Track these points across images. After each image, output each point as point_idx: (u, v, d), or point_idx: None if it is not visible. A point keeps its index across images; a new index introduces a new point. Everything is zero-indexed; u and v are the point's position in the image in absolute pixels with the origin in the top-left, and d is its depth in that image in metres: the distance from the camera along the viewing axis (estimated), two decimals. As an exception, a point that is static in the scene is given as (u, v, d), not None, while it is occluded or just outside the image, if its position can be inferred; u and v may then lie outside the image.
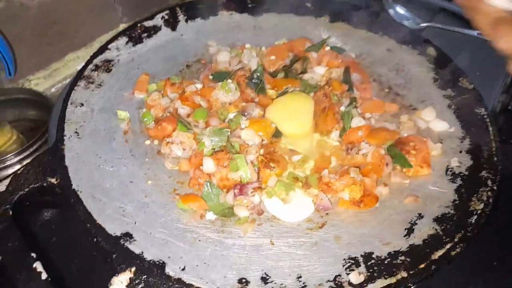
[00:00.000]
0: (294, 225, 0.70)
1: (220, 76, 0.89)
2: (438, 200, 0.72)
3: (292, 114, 0.82)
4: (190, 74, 0.94)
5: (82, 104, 0.82)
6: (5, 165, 1.05)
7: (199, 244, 0.66)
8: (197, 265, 0.62)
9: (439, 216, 0.69)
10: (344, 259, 0.65)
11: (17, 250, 0.62)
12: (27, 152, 1.06)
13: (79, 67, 1.36)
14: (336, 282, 0.61)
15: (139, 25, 0.98)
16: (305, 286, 0.61)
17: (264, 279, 0.62)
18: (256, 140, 0.78)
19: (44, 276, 0.60)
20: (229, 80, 0.85)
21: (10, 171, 1.04)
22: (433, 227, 0.68)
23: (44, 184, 0.70)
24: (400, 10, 1.12)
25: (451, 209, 0.70)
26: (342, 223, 0.70)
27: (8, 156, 1.04)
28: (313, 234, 0.68)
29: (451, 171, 0.76)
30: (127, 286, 0.59)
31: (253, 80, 0.86)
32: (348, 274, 0.62)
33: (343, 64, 0.92)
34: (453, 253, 0.64)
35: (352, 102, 0.84)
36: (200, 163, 0.74)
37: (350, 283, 0.61)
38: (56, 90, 1.37)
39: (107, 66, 0.90)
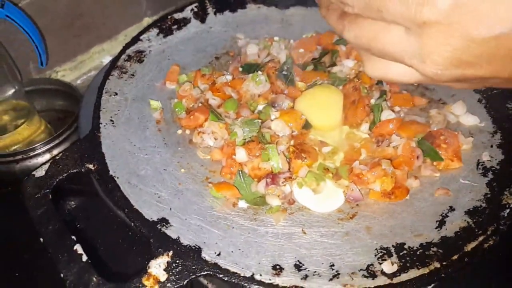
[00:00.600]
0: (325, 215, 0.71)
1: (250, 68, 0.90)
2: (469, 193, 0.72)
3: (322, 106, 0.82)
4: (220, 66, 0.95)
5: (116, 94, 0.84)
6: (34, 153, 1.07)
7: (233, 231, 0.67)
8: (232, 251, 0.64)
9: (471, 209, 0.69)
10: (376, 249, 0.65)
11: (57, 233, 0.64)
12: (56, 142, 1.08)
13: (103, 59, 1.40)
14: (369, 271, 0.62)
15: (169, 17, 0.99)
16: (338, 274, 0.62)
17: (298, 267, 0.63)
18: (286, 131, 0.79)
19: (84, 258, 0.61)
20: (259, 72, 0.86)
21: (40, 160, 1.07)
22: (465, 220, 0.68)
23: (82, 170, 0.72)
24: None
25: (483, 203, 0.70)
26: (373, 214, 0.71)
27: (37, 145, 1.06)
28: (344, 224, 0.69)
29: (482, 165, 0.76)
30: (165, 269, 0.60)
31: (283, 72, 0.87)
32: (380, 263, 0.63)
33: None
34: (486, 245, 0.64)
35: (382, 95, 0.84)
36: (233, 152, 0.75)
37: (383, 272, 0.62)
38: (81, 81, 1.39)
39: (139, 56, 0.91)
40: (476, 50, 0.38)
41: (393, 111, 0.83)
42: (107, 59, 1.37)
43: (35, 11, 1.16)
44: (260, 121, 0.79)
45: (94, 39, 1.37)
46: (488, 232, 0.65)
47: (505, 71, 0.40)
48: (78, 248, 0.62)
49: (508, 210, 0.68)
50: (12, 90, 1.08)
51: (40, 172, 0.71)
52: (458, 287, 0.74)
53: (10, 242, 0.98)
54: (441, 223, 0.68)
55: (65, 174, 0.71)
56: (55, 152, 1.06)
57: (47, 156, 1.07)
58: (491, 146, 0.78)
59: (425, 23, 0.38)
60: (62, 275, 0.59)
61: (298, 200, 0.72)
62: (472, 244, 0.64)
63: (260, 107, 0.84)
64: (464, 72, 0.40)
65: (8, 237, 0.99)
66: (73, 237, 0.63)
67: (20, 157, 1.05)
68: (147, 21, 1.44)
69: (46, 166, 0.71)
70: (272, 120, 0.80)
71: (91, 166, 0.72)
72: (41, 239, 0.64)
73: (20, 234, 0.97)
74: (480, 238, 0.65)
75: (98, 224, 1.00)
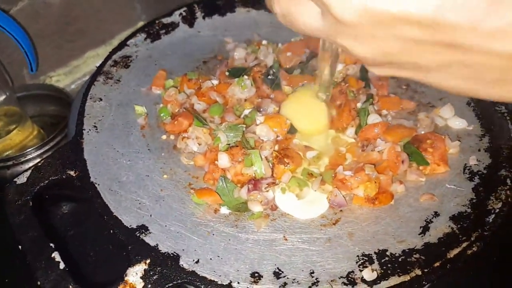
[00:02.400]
0: (308, 221, 0.70)
1: (236, 72, 0.89)
2: (455, 198, 0.71)
3: (306, 111, 0.82)
4: (207, 70, 0.95)
5: (101, 99, 0.84)
6: (25, 159, 1.07)
7: (213, 238, 0.66)
8: (210, 259, 0.63)
9: (456, 214, 0.68)
10: (357, 255, 0.64)
11: (36, 240, 0.64)
12: (47, 147, 1.08)
13: (98, 64, 1.40)
14: (349, 278, 0.61)
15: (157, 21, 0.99)
16: (318, 281, 0.61)
17: (277, 274, 0.62)
18: (271, 136, 0.78)
19: (62, 265, 0.61)
20: (245, 76, 0.86)
21: (31, 164, 1.07)
22: (449, 226, 0.67)
23: (64, 177, 0.72)
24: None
25: (468, 208, 0.69)
26: (356, 220, 0.70)
27: (28, 150, 1.06)
28: (327, 230, 0.68)
29: (469, 169, 0.74)
30: (141, 277, 0.60)
31: (269, 76, 0.86)
32: (361, 270, 0.62)
33: (360, 61, 0.91)
34: (469, 252, 0.63)
35: (369, 99, 0.83)
36: (215, 158, 0.74)
37: (363, 280, 0.61)
38: (75, 86, 1.40)
39: (126, 62, 0.91)
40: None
41: (380, 114, 0.82)
42: (101, 64, 1.37)
43: (27, 17, 1.17)
44: (244, 126, 0.79)
45: (88, 44, 1.38)
46: (472, 238, 0.64)
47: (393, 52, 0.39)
48: (56, 255, 0.62)
49: (493, 216, 0.66)
50: (3, 96, 1.09)
51: (21, 179, 0.71)
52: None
53: (1, 247, 0.99)
54: (425, 229, 0.67)
55: (46, 181, 0.71)
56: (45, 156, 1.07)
57: (38, 161, 1.07)
58: (479, 150, 0.77)
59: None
60: (39, 283, 0.59)
61: (281, 208, 0.71)
62: (455, 251, 0.63)
63: (246, 112, 0.83)
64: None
65: (-1, 242, 0.99)
66: (51, 244, 0.63)
67: (11, 162, 1.05)
68: (141, 25, 1.44)
69: (28, 173, 0.71)
70: (257, 125, 0.79)
71: (72, 173, 0.72)
72: (19, 247, 0.63)
73: (11, 239, 0.97)
74: (464, 244, 0.64)
75: (89, 230, 1.00)
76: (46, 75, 1.33)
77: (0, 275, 0.90)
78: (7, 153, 1.12)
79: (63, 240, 0.89)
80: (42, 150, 1.07)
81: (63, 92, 1.23)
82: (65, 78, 1.38)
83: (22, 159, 1.06)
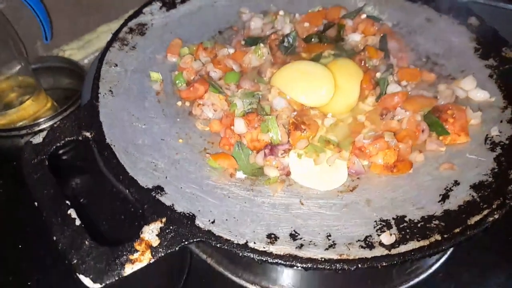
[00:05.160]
0: (325, 188, 0.69)
1: (253, 41, 0.88)
2: (476, 168, 0.69)
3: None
4: (222, 40, 0.93)
5: (116, 65, 0.83)
6: (39, 128, 1.07)
7: (228, 200, 0.66)
8: (226, 219, 0.62)
9: (477, 183, 0.67)
10: (375, 221, 0.63)
11: (52, 198, 0.64)
12: (60, 117, 1.08)
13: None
14: (367, 242, 0.60)
15: (173, -10, 0.98)
16: (335, 244, 0.60)
17: (293, 236, 0.61)
18: (284, 105, 0.77)
19: (78, 222, 0.61)
20: (262, 44, 0.84)
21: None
22: (470, 194, 0.65)
23: (79, 138, 0.71)
24: (440, -16, 1.08)
25: (490, 177, 0.67)
26: (374, 187, 0.68)
27: (41, 120, 1.06)
28: (344, 197, 0.67)
29: (490, 140, 0.73)
30: (157, 235, 0.59)
31: (284, 43, 0.85)
32: (379, 235, 0.61)
33: (380, 32, 0.89)
34: (490, 219, 0.61)
35: (389, 69, 0.81)
36: (231, 123, 0.73)
37: (381, 243, 0.60)
38: (88, 61, 1.39)
39: (141, 29, 0.90)
40: None
41: (399, 85, 0.81)
42: (114, 38, 1.36)
43: (42, -12, 1.16)
44: (260, 93, 0.78)
45: (101, 18, 1.37)
46: (494, 206, 0.63)
47: None
48: (72, 212, 0.62)
49: (515, 185, 0.65)
50: (18, 67, 1.08)
51: (37, 139, 0.71)
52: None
53: (15, 214, 0.99)
54: (445, 197, 0.66)
55: (62, 141, 0.70)
56: (59, 125, 1.07)
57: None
58: (501, 121, 0.75)
59: None
60: (54, 238, 0.59)
61: (299, 181, 0.70)
62: (476, 218, 0.62)
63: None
64: None
65: (14, 210, 1.00)
66: (67, 202, 0.63)
67: (24, 131, 1.05)
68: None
69: (44, 133, 0.71)
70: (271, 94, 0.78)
71: (88, 134, 0.71)
72: (36, 203, 0.63)
73: (25, 207, 0.98)
74: (485, 212, 0.62)
75: (101, 200, 1.00)
76: (59, 49, 1.32)
77: (14, 241, 0.91)
78: (21, 123, 1.12)
79: (78, 201, 0.89)
80: (55, 120, 1.07)
81: (78, 65, 1.22)
82: (77, 52, 1.37)
83: (36, 129, 1.06)
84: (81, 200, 1.01)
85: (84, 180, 1.07)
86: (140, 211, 0.64)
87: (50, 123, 1.07)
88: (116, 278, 0.56)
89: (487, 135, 0.74)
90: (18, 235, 0.95)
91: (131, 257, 0.57)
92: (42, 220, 0.65)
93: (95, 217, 0.95)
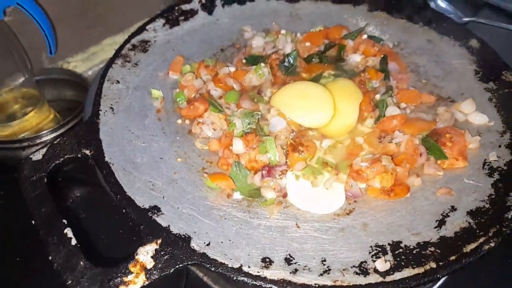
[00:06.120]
0: (321, 210, 0.69)
1: (254, 60, 0.89)
2: (473, 193, 0.69)
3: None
4: (224, 58, 0.94)
5: (118, 82, 0.84)
6: (41, 140, 1.08)
7: (225, 222, 0.66)
8: (222, 242, 0.62)
9: (474, 209, 0.67)
10: (370, 246, 0.63)
11: (49, 216, 0.64)
12: (63, 130, 1.09)
13: (116, 49, 1.40)
14: (362, 268, 0.60)
15: (176, 8, 0.99)
16: (329, 269, 0.60)
17: (288, 260, 0.61)
18: (283, 126, 0.77)
19: (74, 242, 0.61)
20: (262, 64, 0.85)
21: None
22: (466, 220, 0.65)
23: (79, 155, 0.72)
24: (442, 3, 1.09)
25: (487, 203, 0.67)
26: (371, 211, 0.68)
27: (43, 133, 1.07)
28: (340, 220, 0.67)
29: (488, 165, 0.73)
30: (152, 257, 0.59)
31: (285, 63, 0.85)
32: (374, 261, 0.61)
33: (380, 53, 0.90)
34: (486, 247, 0.61)
35: (388, 91, 0.82)
36: (230, 143, 0.74)
37: (375, 270, 0.60)
38: (92, 73, 1.40)
39: (144, 46, 0.91)
40: None
41: (399, 107, 0.81)
42: (118, 51, 1.37)
43: (48, 0, 1.18)
44: (259, 113, 0.78)
45: (106, 30, 1.38)
46: (490, 234, 0.62)
47: None
48: (68, 232, 0.62)
49: (512, 212, 0.65)
50: (22, 78, 1.10)
51: (37, 156, 0.71)
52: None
53: (15, 226, 1.00)
54: (441, 223, 0.65)
55: (61, 159, 0.71)
56: (60, 139, 1.08)
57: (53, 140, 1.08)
58: (499, 146, 0.75)
59: None
60: (50, 257, 0.59)
61: (296, 205, 0.70)
62: (472, 245, 0.61)
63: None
64: None
65: (13, 222, 1.00)
66: (64, 221, 0.63)
67: (26, 144, 1.06)
68: (160, 13, 1.45)
69: (44, 150, 0.71)
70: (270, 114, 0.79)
71: (87, 152, 0.72)
72: (33, 222, 0.64)
73: (24, 218, 0.98)
74: (481, 240, 0.62)
75: (100, 214, 1.00)
76: (64, 60, 1.34)
77: (13, 253, 0.91)
78: (23, 134, 1.13)
79: (75, 218, 0.89)
80: (57, 133, 1.08)
81: (81, 77, 1.23)
82: (82, 64, 1.38)
83: (38, 141, 1.07)
84: (80, 213, 1.02)
85: (83, 192, 1.07)
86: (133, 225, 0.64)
87: (52, 135, 1.07)
88: (110, 300, 0.56)
89: (485, 159, 0.74)
90: (17, 247, 0.96)
91: (125, 279, 0.57)
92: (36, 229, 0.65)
93: (94, 231, 0.96)
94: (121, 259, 0.68)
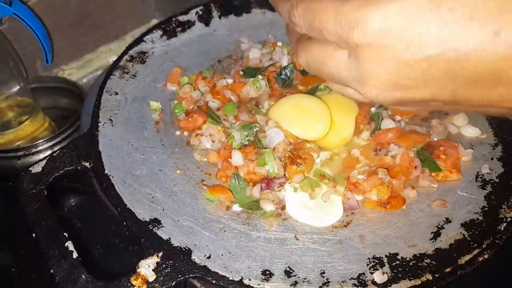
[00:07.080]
0: (319, 222, 0.70)
1: (251, 72, 0.90)
2: (467, 205, 0.71)
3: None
4: (222, 69, 0.95)
5: (117, 93, 0.84)
6: (36, 150, 1.08)
7: (224, 234, 0.67)
8: (222, 254, 0.63)
9: (467, 221, 0.68)
10: (368, 258, 0.64)
11: (50, 229, 0.64)
12: (58, 139, 1.09)
13: (110, 59, 1.41)
14: (360, 280, 0.61)
15: (173, 19, 1.00)
16: (328, 282, 0.61)
17: (288, 273, 0.62)
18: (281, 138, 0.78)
19: (75, 255, 0.61)
20: (260, 76, 0.86)
21: (41, 156, 1.08)
22: (460, 232, 0.67)
23: (78, 168, 0.72)
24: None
25: (480, 216, 0.69)
26: (368, 223, 0.70)
27: (38, 142, 1.07)
28: (338, 232, 0.69)
29: (481, 177, 0.75)
30: (154, 270, 0.60)
31: (281, 76, 0.87)
32: (372, 273, 0.62)
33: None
34: (480, 259, 0.63)
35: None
36: (229, 155, 0.75)
37: (373, 282, 0.61)
38: (87, 80, 1.40)
39: (142, 57, 0.92)
40: (410, 73, 0.38)
41: (393, 120, 0.82)
42: (113, 59, 1.37)
43: (44, 9, 1.18)
44: (257, 125, 0.79)
45: (101, 38, 1.39)
46: (484, 246, 0.64)
47: (444, 93, 0.39)
48: (69, 245, 0.62)
49: (505, 224, 0.67)
50: (17, 87, 1.09)
51: (36, 168, 0.71)
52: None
53: (10, 236, 0.99)
54: (436, 235, 0.67)
55: (61, 171, 0.71)
56: (56, 149, 1.07)
57: (48, 153, 1.07)
58: (492, 159, 0.77)
59: (357, 46, 0.39)
60: (52, 271, 0.60)
61: (294, 217, 0.70)
62: (467, 257, 0.63)
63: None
64: (403, 95, 0.40)
65: (8, 231, 1.00)
66: (65, 234, 0.64)
67: (21, 153, 1.06)
68: (155, 22, 1.45)
69: (43, 162, 0.72)
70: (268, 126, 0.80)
71: (87, 164, 0.72)
72: (34, 235, 0.64)
73: (19, 228, 0.98)
74: (475, 251, 0.64)
75: (96, 223, 1.00)
76: (59, 68, 1.34)
77: (11, 263, 0.91)
78: (18, 143, 1.13)
79: (75, 230, 0.89)
80: (53, 142, 1.08)
81: (76, 86, 1.23)
82: (77, 72, 1.38)
83: (33, 150, 1.07)
84: (76, 222, 1.02)
85: (78, 201, 1.07)
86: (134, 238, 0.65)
87: (47, 145, 1.07)
88: (112, 314, 0.57)
89: (478, 172, 0.75)
90: (12, 257, 0.96)
91: (127, 292, 0.58)
92: (36, 242, 0.65)
93: (89, 240, 0.96)
94: (118, 270, 0.69)
